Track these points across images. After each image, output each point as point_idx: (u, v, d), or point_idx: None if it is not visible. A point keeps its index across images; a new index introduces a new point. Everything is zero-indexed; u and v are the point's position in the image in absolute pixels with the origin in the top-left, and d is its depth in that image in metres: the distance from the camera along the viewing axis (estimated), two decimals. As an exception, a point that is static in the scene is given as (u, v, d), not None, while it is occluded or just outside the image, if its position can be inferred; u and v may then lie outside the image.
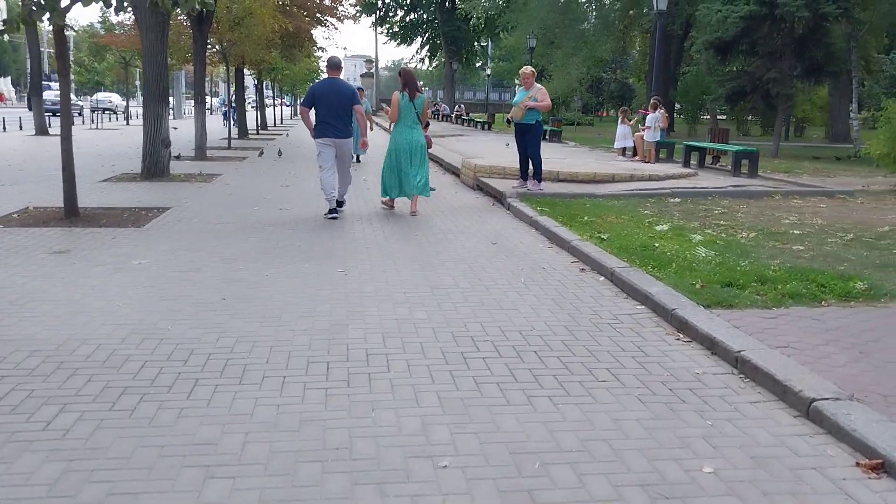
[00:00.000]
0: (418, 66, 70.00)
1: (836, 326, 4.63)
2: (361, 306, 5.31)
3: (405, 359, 4.24)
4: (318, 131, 9.17)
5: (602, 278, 6.22)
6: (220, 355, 4.26)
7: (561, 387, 3.85)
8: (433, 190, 11.87)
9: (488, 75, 64.99)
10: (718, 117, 46.46)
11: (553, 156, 17.83)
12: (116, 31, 27.72)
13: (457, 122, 42.81)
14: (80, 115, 36.67)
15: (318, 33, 38.99)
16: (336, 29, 24.31)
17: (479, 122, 39.03)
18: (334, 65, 9.47)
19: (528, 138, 10.69)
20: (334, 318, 5.00)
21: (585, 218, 8.61)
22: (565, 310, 5.29)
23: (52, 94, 32.53)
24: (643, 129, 16.63)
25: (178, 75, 40.08)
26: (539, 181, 10.81)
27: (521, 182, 11.06)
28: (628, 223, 8.40)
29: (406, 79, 9.66)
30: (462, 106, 47.99)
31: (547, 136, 26.14)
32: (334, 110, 9.08)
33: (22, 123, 27.33)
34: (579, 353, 4.38)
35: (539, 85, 10.76)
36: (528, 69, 10.78)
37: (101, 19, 30.64)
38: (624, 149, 18.01)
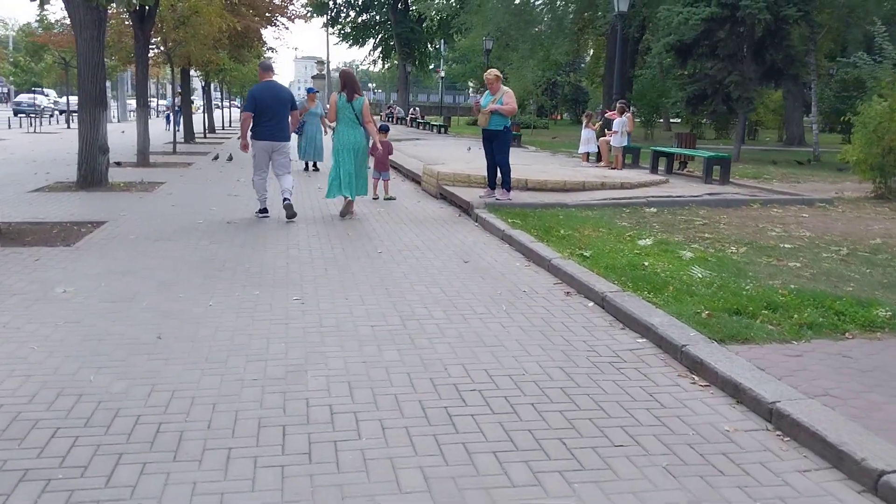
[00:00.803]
0: (369, 69, 69.11)
1: (871, 366, 4.04)
2: (322, 345, 4.56)
3: (378, 418, 3.52)
4: (256, 133, 9.14)
5: (591, 303, 5.58)
6: (152, 417, 3.49)
7: (572, 455, 3.17)
8: (394, 199, 11.21)
9: (442, 77, 64.39)
10: (672, 120, 46.74)
11: (516, 161, 17.14)
12: (55, 30, 26.32)
13: (412, 126, 42.07)
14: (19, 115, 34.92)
15: (267, 33, 37.90)
16: (287, 28, 23.83)
17: (436, 125, 38.36)
18: (267, 67, 9.54)
19: (496, 145, 10.03)
20: (291, 362, 4.25)
21: (562, 231, 7.98)
22: (557, 345, 4.62)
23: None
24: (609, 134, 16.13)
25: (122, 77, 38.51)
26: (508, 190, 10.16)
27: (488, 191, 10.40)
28: (608, 237, 7.79)
29: (345, 80, 9.62)
30: (417, 109, 47.26)
31: (506, 140, 25.70)
32: (274, 114, 9.11)
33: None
34: (584, 406, 3.70)
35: (506, 88, 10.10)
36: (493, 72, 10.11)
37: (38, 18, 29.13)
38: (588, 154, 17.50)
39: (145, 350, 4.40)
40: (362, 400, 3.73)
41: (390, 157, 11.80)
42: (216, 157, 17.99)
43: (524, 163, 15.70)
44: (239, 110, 56.27)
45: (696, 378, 4.10)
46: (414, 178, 14.38)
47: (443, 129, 36.59)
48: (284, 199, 9.16)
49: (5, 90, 64.72)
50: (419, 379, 4.01)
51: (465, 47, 45.63)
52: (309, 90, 14.55)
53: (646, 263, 6.35)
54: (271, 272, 6.46)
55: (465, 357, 4.37)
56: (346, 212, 9.56)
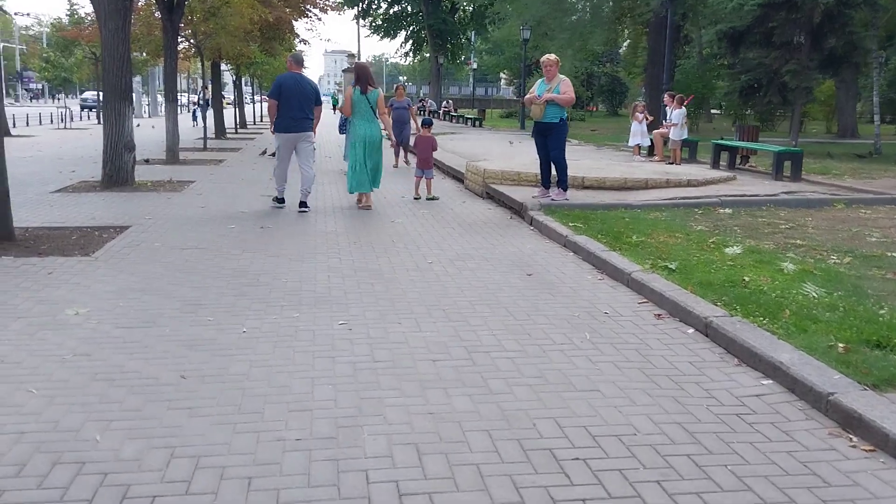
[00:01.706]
0: (399, 62, 68.14)
1: None
2: (377, 388, 3.75)
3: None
4: (279, 125, 9.26)
5: (691, 330, 4.71)
6: (170, 500, 2.70)
7: (734, 574, 2.32)
8: (437, 199, 10.42)
9: (473, 69, 63.37)
10: (712, 111, 45.26)
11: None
12: (85, 24, 25.89)
13: (445, 119, 41.21)
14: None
15: (299, 25, 37.29)
16: (319, 20, 22.97)
17: (470, 118, 37.45)
18: (298, 60, 9.73)
19: (552, 139, 9.14)
20: (342, 414, 3.45)
21: (633, 237, 7.09)
22: (665, 389, 3.77)
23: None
24: (665, 126, 15.13)
25: (152, 72, 38.16)
26: (565, 189, 9.28)
27: (542, 191, 9.52)
28: (688, 244, 6.89)
29: (359, 73, 9.67)
30: (450, 102, 46.36)
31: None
32: (297, 106, 9.17)
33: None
34: (726, 484, 2.85)
35: (562, 76, 9.22)
36: (551, 57, 9.22)
37: (68, 12, 28.74)
38: (639, 147, 16.50)
39: (166, 395, 3.63)
40: (436, 473, 2.91)
41: (434, 153, 10.96)
42: (263, 153, 17.33)
43: (573, 158, 14.73)
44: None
45: (854, 438, 3.22)
46: (455, 176, 13.55)
47: (477, 123, 35.69)
48: (301, 205, 9.32)
49: (39, 87, 65.15)
50: (503, 440, 3.18)
51: (498, 38, 44.48)
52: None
53: (746, 278, 5.44)
54: (311, 288, 5.67)
55: (555, 407, 3.54)
56: (365, 205, 9.63)
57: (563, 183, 9.26)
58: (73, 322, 4.75)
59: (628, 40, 47.84)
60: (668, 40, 19.46)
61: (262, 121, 39.24)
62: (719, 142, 14.57)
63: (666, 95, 15.72)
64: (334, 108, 40.88)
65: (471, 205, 10.32)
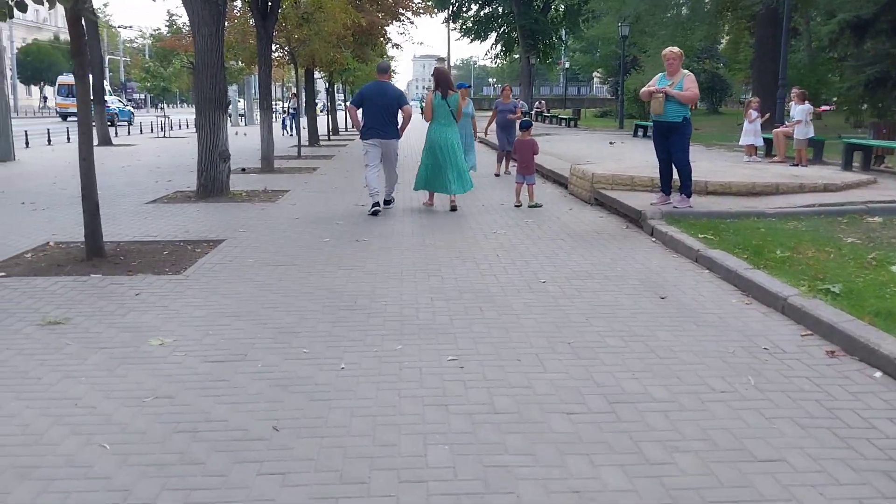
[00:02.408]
0: (486, 64, 67.25)
1: None
2: (503, 451, 3.08)
3: None
4: (365, 133, 9.54)
5: (878, 373, 3.84)
6: None
7: None
8: (540, 206, 9.70)
9: (566, 68, 62.11)
10: (825, 108, 42.69)
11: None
12: (184, 31, 26.34)
13: (538, 120, 40.29)
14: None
15: (391, 30, 37.19)
16: (412, 23, 22.51)
17: (564, 118, 36.45)
18: (383, 69, 10.02)
19: (674, 139, 8.28)
20: (463, 487, 2.79)
21: (777, 252, 6.19)
22: (871, 461, 2.95)
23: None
24: (789, 125, 13.91)
25: (248, 80, 38.78)
26: (688, 196, 8.41)
27: (661, 197, 8.65)
28: (843, 260, 5.95)
29: (438, 78, 9.87)
30: (542, 102, 45.40)
31: (650, 134, 23.57)
32: (381, 113, 9.40)
33: (88, 134, 26.14)
34: None
35: (687, 71, 8.34)
36: (674, 51, 8.34)
37: (167, 23, 29.42)
38: (753, 147, 15.28)
39: (255, 454, 3.07)
40: (596, 588, 2.21)
41: (535, 156, 10.23)
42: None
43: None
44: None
45: None
46: (556, 180, 12.79)
47: (572, 123, 34.65)
48: (385, 203, 9.76)
49: (141, 97, 67.74)
50: (677, 537, 2.46)
51: (594, 35, 43.21)
52: (461, 85, 12.12)
53: (936, 307, 4.51)
54: (412, 313, 5.06)
55: (734, 485, 2.78)
56: (452, 207, 9.72)
57: (686, 188, 8.39)
58: (158, 355, 4.28)
59: (727, 36, 45.78)
60: (784, 33, 18.04)
61: (354, 127, 39.30)
62: (853, 140, 13.23)
63: (794, 90, 14.43)
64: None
65: (578, 212, 9.54)
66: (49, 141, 23.60)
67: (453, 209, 9.62)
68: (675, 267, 6.42)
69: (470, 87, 14.20)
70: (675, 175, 8.48)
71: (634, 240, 7.68)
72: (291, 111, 29.22)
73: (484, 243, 7.52)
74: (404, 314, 5.03)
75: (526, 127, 10.34)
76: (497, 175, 13.67)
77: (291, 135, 23.39)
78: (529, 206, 9.87)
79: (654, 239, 7.65)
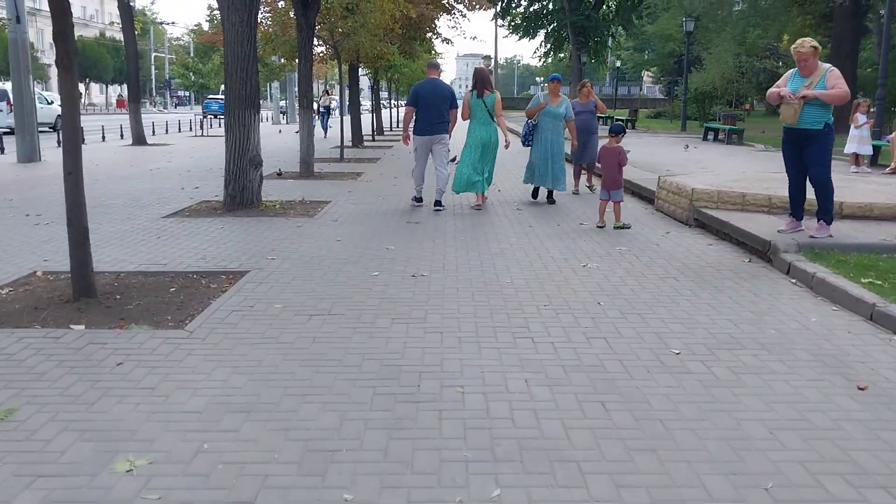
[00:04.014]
0: (531, 63, 65.04)
1: None
2: None
3: None
4: (417, 129, 9.62)
5: None
6: None
7: None
8: (628, 227, 8.05)
9: (618, 67, 59.84)
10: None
11: (756, 167, 13.50)
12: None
13: (591, 121, 38.28)
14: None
15: (442, 23, 35.67)
16: (464, 16, 21.09)
17: (620, 119, 34.43)
18: (434, 66, 10.35)
19: (812, 151, 6.54)
20: None
21: None
22: None
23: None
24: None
25: (290, 77, 37.53)
26: (828, 222, 6.67)
27: (791, 222, 6.92)
28: None
29: (475, 77, 9.80)
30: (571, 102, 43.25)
31: (723, 137, 21.62)
32: (433, 109, 9.46)
33: (123, 132, 25.11)
34: None
35: (828, 65, 6.57)
36: (807, 43, 6.54)
37: (208, 17, 28.28)
38: (857, 156, 13.34)
39: None
40: None
41: (623, 168, 8.54)
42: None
43: (778, 169, 11.94)
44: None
45: None
46: (634, 192, 11.09)
47: (629, 124, 32.67)
48: (436, 204, 9.56)
49: (186, 94, 67.37)
50: None
51: (652, 32, 41.02)
52: (553, 77, 10.40)
53: None
54: (505, 414, 3.44)
55: None
56: (476, 205, 9.75)
57: (826, 213, 6.64)
58: (123, 490, 2.74)
59: (787, 36, 43.34)
60: (885, 30, 15.97)
61: (398, 127, 37.81)
62: None
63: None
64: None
65: (678, 237, 7.84)
66: (82, 140, 22.47)
67: (478, 207, 9.69)
68: (847, 328, 4.71)
69: (563, 80, 10.90)
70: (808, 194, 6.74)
71: (767, 280, 5.97)
72: (322, 109, 27.72)
73: (575, 282, 5.88)
74: (493, 416, 3.41)
75: (617, 132, 8.60)
76: (575, 192, 11.39)
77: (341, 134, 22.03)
78: (615, 228, 8.22)
79: (793, 280, 5.93)
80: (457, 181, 9.78)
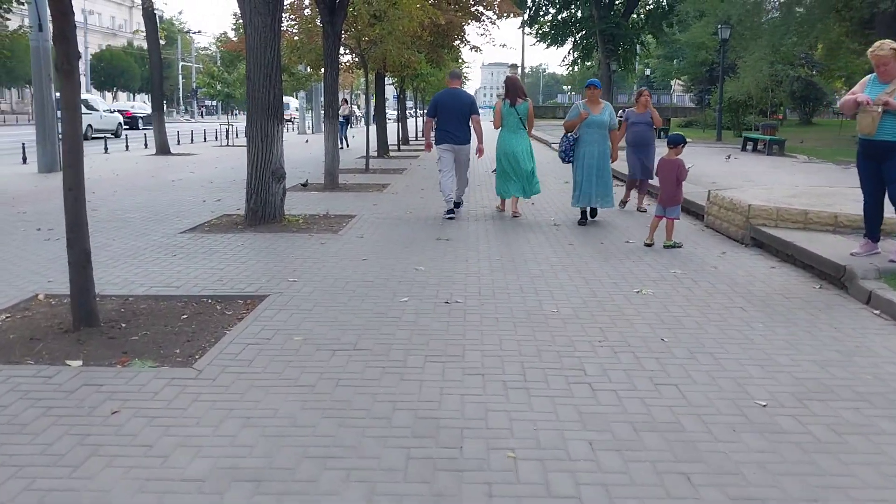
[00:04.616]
0: (556, 72, 64.38)
1: None
2: None
3: None
4: (439, 138, 9.64)
5: None
6: None
7: None
8: (679, 247, 7.40)
9: (647, 75, 58.94)
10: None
11: (815, 182, 12.77)
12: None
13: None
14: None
15: (470, 31, 35.14)
16: (493, 23, 20.51)
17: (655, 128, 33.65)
18: (456, 75, 10.36)
19: (892, 165, 5.86)
20: None
21: None
22: None
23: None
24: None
25: (316, 87, 37.18)
26: (909, 245, 6.00)
27: (866, 244, 6.23)
28: None
29: (507, 86, 9.76)
30: (624, 111, 42.64)
31: (762, 147, 20.83)
32: (454, 118, 9.51)
33: (147, 141, 24.84)
34: None
35: (911, 71, 5.91)
36: (889, 45, 5.88)
37: (234, 26, 27.96)
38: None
39: None
40: None
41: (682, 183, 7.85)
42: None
43: (824, 182, 11.20)
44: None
45: None
46: (685, 208, 10.38)
47: (662, 133, 31.88)
48: (455, 203, 9.81)
49: (213, 103, 67.48)
50: None
51: (685, 40, 40.14)
52: (590, 83, 9.26)
53: None
54: (569, 491, 2.83)
55: None
56: (515, 213, 9.74)
57: (909, 235, 5.97)
58: None
59: (820, 44, 42.26)
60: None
61: (423, 136, 37.31)
62: None
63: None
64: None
65: (736, 258, 7.18)
66: (106, 149, 22.26)
67: (515, 215, 9.67)
68: (961, 376, 4.04)
69: (601, 87, 9.39)
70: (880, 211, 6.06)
71: (846, 311, 5.30)
72: (342, 119, 27.25)
73: (630, 311, 5.26)
74: (555, 494, 2.79)
75: (676, 143, 7.87)
76: (622, 204, 10.52)
77: (342, 147, 21.47)
78: (665, 247, 7.57)
79: (876, 311, 5.25)
80: (498, 187, 10.04)
